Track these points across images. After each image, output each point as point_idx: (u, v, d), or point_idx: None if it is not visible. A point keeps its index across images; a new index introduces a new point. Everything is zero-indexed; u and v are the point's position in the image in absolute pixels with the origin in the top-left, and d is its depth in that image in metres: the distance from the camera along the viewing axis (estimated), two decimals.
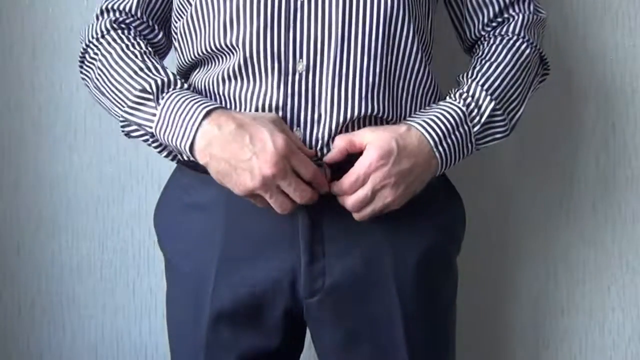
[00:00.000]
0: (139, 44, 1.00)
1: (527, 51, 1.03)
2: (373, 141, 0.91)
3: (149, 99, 0.93)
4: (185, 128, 0.90)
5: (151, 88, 0.93)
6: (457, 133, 0.95)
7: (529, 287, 1.40)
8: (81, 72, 1.05)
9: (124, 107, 0.95)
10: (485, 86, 0.99)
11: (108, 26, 1.01)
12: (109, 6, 1.04)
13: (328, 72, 0.93)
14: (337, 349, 1.00)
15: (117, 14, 1.03)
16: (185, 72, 1.04)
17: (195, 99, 0.91)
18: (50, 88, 1.33)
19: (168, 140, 0.92)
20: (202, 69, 1.00)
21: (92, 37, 1.02)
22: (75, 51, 1.29)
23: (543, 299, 1.40)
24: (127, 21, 1.03)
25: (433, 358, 1.03)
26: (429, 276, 1.00)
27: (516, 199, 1.39)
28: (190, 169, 0.99)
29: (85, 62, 1.03)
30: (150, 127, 0.93)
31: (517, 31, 1.05)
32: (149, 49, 1.00)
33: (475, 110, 0.97)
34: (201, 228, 0.99)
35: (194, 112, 0.90)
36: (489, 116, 0.98)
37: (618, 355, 1.41)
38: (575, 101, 1.36)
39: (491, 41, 1.05)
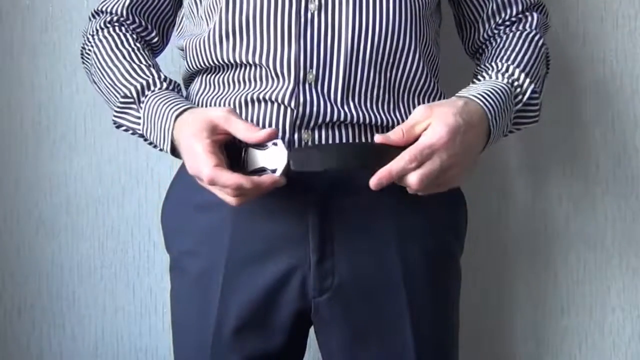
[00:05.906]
0: (127, 40, 1.02)
1: (544, 46, 1.05)
2: (438, 117, 0.87)
3: (132, 103, 0.97)
4: (163, 134, 0.93)
5: (131, 94, 0.96)
6: (505, 110, 0.94)
7: (529, 287, 1.40)
8: (83, 65, 1.09)
9: (112, 110, 0.99)
10: (526, 70, 0.99)
11: (102, 25, 1.05)
12: (102, 8, 1.07)
13: (337, 83, 0.93)
14: (344, 349, 1.00)
15: (108, 16, 1.06)
16: (192, 75, 1.05)
17: (168, 102, 0.93)
18: (50, 88, 1.33)
19: (155, 142, 0.96)
20: (211, 74, 1.00)
21: (89, 35, 1.06)
22: (75, 51, 1.30)
23: (543, 299, 1.40)
24: (121, 20, 1.06)
25: (440, 357, 1.03)
26: (436, 275, 1.00)
27: (516, 199, 1.39)
28: None
29: (84, 58, 1.08)
30: (139, 130, 0.97)
31: (534, 27, 1.06)
32: (138, 44, 1.02)
33: (518, 89, 0.98)
34: (209, 228, 0.99)
35: (167, 118, 0.92)
36: (529, 97, 0.98)
37: (618, 356, 1.41)
38: (575, 102, 1.36)
39: (511, 35, 1.05)
